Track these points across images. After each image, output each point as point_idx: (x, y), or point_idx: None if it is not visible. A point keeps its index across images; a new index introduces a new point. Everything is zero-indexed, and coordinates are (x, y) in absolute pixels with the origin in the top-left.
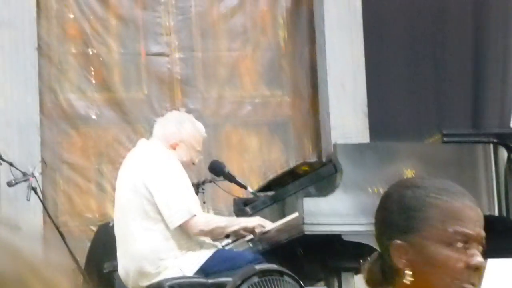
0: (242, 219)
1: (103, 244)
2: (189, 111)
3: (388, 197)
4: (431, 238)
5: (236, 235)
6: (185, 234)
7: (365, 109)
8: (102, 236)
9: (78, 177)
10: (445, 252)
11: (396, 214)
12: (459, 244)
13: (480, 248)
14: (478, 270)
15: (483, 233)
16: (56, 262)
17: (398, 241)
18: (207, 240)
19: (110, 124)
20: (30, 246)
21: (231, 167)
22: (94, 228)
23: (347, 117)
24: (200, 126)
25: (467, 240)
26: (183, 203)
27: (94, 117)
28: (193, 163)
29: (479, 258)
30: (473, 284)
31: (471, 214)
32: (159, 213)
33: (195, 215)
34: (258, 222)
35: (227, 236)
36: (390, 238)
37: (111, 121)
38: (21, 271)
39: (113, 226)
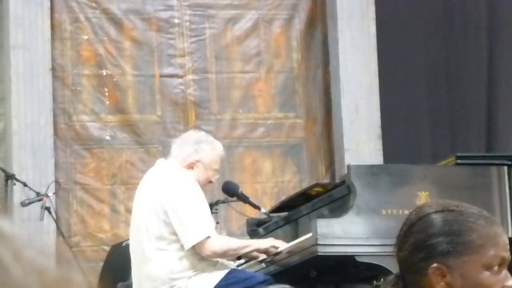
0: (255, 241)
1: (116, 264)
2: (202, 130)
3: (424, 220)
4: (471, 262)
5: (249, 257)
6: (198, 255)
7: (379, 131)
8: (115, 256)
9: (91, 198)
10: (485, 275)
11: (437, 237)
12: (496, 268)
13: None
14: None
15: (510, 256)
16: (79, 280)
17: (438, 264)
18: (220, 260)
19: (123, 146)
20: (54, 264)
21: (244, 189)
22: (107, 249)
23: (361, 140)
24: (218, 145)
25: (502, 264)
26: (198, 224)
27: (107, 138)
28: (210, 182)
29: (511, 281)
30: None
31: (504, 239)
32: (174, 233)
33: (209, 237)
34: (271, 244)
35: (239, 258)
36: (427, 261)
37: (124, 143)
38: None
39: (126, 246)
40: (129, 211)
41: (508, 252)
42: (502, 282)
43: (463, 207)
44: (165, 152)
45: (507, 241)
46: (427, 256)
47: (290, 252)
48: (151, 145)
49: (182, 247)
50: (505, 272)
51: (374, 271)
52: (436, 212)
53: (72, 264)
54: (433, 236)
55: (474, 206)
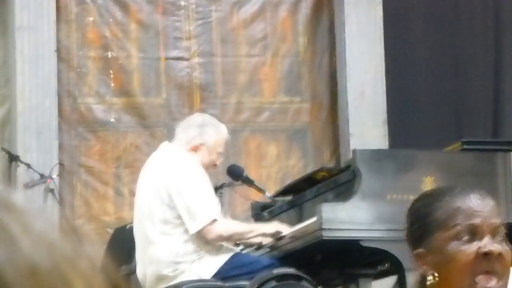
0: (260, 225)
1: (119, 246)
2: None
3: (407, 213)
4: (439, 237)
5: (249, 244)
6: (203, 238)
7: (385, 116)
8: (118, 238)
9: (95, 181)
10: (453, 245)
11: (411, 226)
12: (466, 237)
13: (498, 237)
14: (491, 257)
15: (494, 221)
16: (90, 255)
17: (416, 251)
18: (225, 244)
19: (128, 129)
20: (64, 239)
21: (249, 173)
22: (111, 231)
23: (366, 125)
24: (222, 128)
25: (474, 231)
26: (204, 207)
27: (112, 121)
28: (215, 165)
29: (489, 246)
30: (489, 272)
31: (474, 206)
32: (179, 217)
33: (215, 220)
34: (277, 228)
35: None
36: (412, 251)
37: (129, 126)
38: (58, 262)
39: (129, 228)
40: (133, 194)
41: (489, 218)
42: (475, 250)
43: (435, 190)
44: (169, 135)
45: (485, 208)
46: (411, 246)
47: (295, 237)
48: (156, 128)
49: (186, 230)
50: (484, 240)
51: (379, 256)
52: (413, 203)
53: (82, 239)
54: (410, 226)
55: (458, 185)
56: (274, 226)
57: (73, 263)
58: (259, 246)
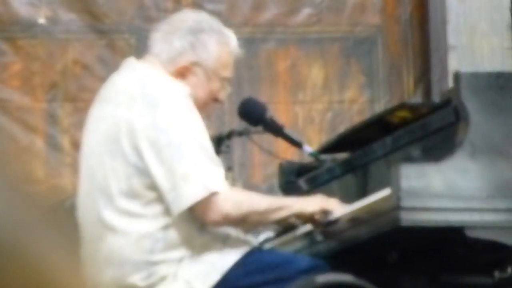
0: (294, 200)
1: None
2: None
3: None
4: None
5: (284, 225)
6: (197, 222)
7: (508, 16)
8: (54, 223)
9: (14, 124)
10: None
11: None
12: None
13: None
14: None
15: None
16: None
17: None
18: (234, 233)
19: (69, 35)
20: None
21: (276, 113)
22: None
23: (478, 30)
24: (228, 36)
25: None
26: (197, 170)
27: (41, 22)
28: (216, 100)
29: None
30: None
31: None
32: (154, 187)
33: (216, 192)
34: (322, 205)
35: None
36: None
37: (71, 30)
38: None
39: (71, 207)
40: (78, 148)
41: None
42: None
43: None
44: (140, 47)
45: None
46: None
47: (354, 221)
48: (117, 33)
49: (167, 209)
50: None
51: (497, 254)
52: None
53: None
54: None
55: None
56: (318, 202)
57: None
58: (305, 234)
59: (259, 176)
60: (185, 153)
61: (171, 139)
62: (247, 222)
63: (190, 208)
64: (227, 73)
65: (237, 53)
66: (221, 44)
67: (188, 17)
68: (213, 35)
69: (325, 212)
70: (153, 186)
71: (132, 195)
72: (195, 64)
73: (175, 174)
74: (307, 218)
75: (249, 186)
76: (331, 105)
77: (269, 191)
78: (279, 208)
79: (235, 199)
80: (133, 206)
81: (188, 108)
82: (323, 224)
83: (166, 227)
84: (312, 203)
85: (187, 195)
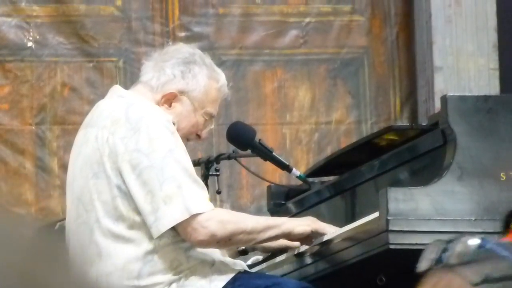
0: (284, 219)
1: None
2: (191, 37)
3: None
4: None
5: (270, 249)
6: (184, 247)
7: (494, 37)
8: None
9: (3, 147)
10: None
11: None
12: None
13: None
14: None
15: None
16: None
17: None
18: (222, 257)
19: (58, 58)
20: None
21: (264, 136)
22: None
23: (464, 51)
24: (219, 73)
25: None
26: (178, 194)
27: (30, 45)
28: (198, 135)
29: None
30: None
31: None
32: (137, 210)
33: (198, 214)
34: (312, 226)
35: (243, 251)
36: None
37: (59, 53)
38: None
39: (60, 229)
40: (66, 169)
41: None
42: None
43: None
44: (128, 69)
45: None
46: None
47: (343, 243)
48: (105, 56)
49: (151, 232)
50: None
51: None
52: None
53: None
54: None
55: None
56: (308, 223)
57: None
58: (286, 257)
59: (247, 197)
60: (167, 175)
61: (152, 162)
62: (235, 241)
63: (176, 231)
64: (213, 109)
65: (225, 92)
66: (211, 79)
67: (183, 49)
68: (204, 68)
69: (315, 234)
70: (137, 209)
71: (117, 217)
72: (183, 92)
73: (155, 196)
74: (297, 239)
75: (237, 207)
76: (318, 126)
77: (258, 213)
78: (267, 227)
79: (219, 219)
80: (119, 228)
81: (170, 132)
82: (312, 245)
83: (153, 252)
84: (302, 224)
85: (167, 218)
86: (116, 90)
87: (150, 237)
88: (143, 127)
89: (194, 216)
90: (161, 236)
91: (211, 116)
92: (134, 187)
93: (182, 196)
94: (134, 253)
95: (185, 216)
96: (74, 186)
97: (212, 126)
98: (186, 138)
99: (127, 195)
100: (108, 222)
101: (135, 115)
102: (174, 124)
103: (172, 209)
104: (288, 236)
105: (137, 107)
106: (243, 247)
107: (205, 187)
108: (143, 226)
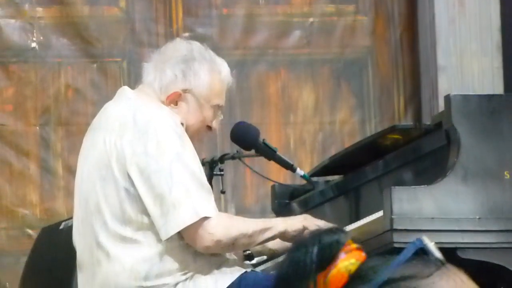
0: (279, 220)
1: (51, 259)
2: (195, 38)
3: None
4: None
5: (267, 253)
6: (191, 249)
7: (498, 37)
8: (48, 246)
9: (8, 148)
10: None
11: None
12: None
13: None
14: None
15: None
16: None
17: None
18: (228, 257)
19: (62, 59)
20: None
21: (268, 136)
22: (34, 234)
23: (467, 51)
24: (220, 64)
25: None
26: (186, 198)
27: (34, 46)
28: (209, 127)
29: None
30: None
31: None
32: (145, 213)
33: (206, 218)
34: (304, 223)
35: (249, 256)
36: None
37: (63, 55)
38: None
39: (66, 229)
40: (71, 171)
41: None
42: None
43: None
44: (132, 70)
45: None
46: None
47: None
48: (109, 57)
49: (159, 235)
50: None
51: (491, 276)
52: None
53: None
54: None
55: None
56: (301, 221)
57: None
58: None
59: (251, 197)
60: (175, 179)
61: (160, 165)
62: (237, 246)
63: (182, 233)
64: (220, 101)
65: (229, 81)
66: (212, 72)
67: (180, 46)
68: (205, 63)
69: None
70: (145, 212)
71: (124, 220)
72: (187, 91)
73: (164, 200)
74: (292, 237)
75: (242, 207)
76: (322, 126)
77: (262, 213)
78: (265, 229)
79: (225, 225)
80: (126, 231)
81: (179, 135)
82: None
83: (160, 253)
84: (295, 222)
85: (176, 221)
86: (124, 92)
87: (158, 239)
88: (151, 130)
89: (201, 221)
90: (169, 238)
91: (219, 107)
92: (142, 190)
93: (191, 200)
94: (142, 255)
95: (194, 219)
96: (81, 188)
97: (221, 117)
98: (197, 134)
99: (136, 198)
100: (116, 224)
101: (143, 118)
102: (182, 124)
103: (181, 212)
104: (284, 235)
105: (145, 110)
106: (249, 251)
107: (211, 191)
108: (151, 228)
